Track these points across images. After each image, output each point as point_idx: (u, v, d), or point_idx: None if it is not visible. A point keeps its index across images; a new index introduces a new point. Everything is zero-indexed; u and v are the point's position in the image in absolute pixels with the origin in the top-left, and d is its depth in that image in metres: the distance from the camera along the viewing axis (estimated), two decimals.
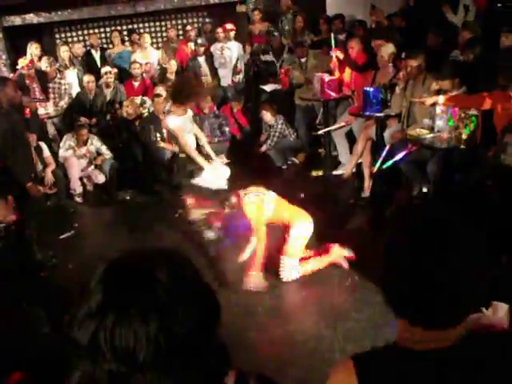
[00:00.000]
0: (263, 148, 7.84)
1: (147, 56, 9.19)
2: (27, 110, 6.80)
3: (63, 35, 10.51)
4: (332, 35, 7.12)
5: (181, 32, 10.06)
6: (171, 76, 8.73)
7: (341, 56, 6.87)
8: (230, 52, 9.05)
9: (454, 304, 1.08)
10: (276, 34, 8.80)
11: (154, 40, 10.53)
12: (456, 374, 1.11)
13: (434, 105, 5.18)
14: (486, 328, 1.58)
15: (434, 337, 1.13)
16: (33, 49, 8.45)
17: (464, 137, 4.93)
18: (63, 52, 8.76)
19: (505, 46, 5.64)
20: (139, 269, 1.02)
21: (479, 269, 1.09)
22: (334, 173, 7.21)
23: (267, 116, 7.74)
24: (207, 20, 9.82)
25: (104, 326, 0.95)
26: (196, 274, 1.08)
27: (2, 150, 4.95)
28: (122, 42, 9.65)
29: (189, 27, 9.52)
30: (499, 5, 6.40)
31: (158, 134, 7.49)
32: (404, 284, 1.11)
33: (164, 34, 10.26)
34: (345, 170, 6.93)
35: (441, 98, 5.05)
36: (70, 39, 10.41)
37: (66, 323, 1.01)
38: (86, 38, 10.21)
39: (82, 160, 7.30)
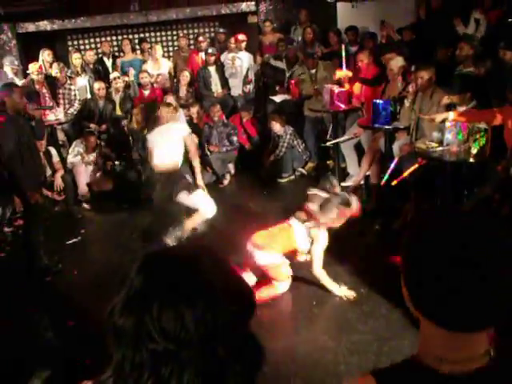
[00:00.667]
0: (271, 158, 7.85)
1: (158, 67, 9.24)
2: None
3: (76, 42, 10.61)
4: (343, 47, 7.13)
5: (192, 41, 10.10)
6: (184, 87, 8.77)
7: (349, 74, 6.88)
8: (241, 62, 9.07)
9: (482, 306, 1.04)
10: (295, 43, 8.83)
11: (165, 49, 10.60)
12: None
13: (444, 121, 5.16)
14: None
15: (459, 346, 1.09)
16: (45, 55, 8.55)
17: (473, 151, 4.91)
18: (75, 59, 8.83)
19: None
20: (181, 257, 1.09)
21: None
22: (342, 184, 7.17)
23: (276, 127, 7.76)
24: (221, 30, 9.84)
25: (149, 310, 0.99)
26: (233, 271, 1.13)
27: (8, 155, 4.98)
28: (133, 50, 9.70)
29: (201, 38, 9.56)
30: (510, 20, 6.39)
31: None
32: (439, 286, 1.05)
33: (175, 44, 10.30)
34: (353, 181, 6.91)
35: (451, 115, 5.03)
36: (82, 46, 10.50)
37: (107, 313, 1.06)
38: (98, 45, 10.29)
39: (90, 166, 7.33)
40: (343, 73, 6.91)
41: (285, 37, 9.27)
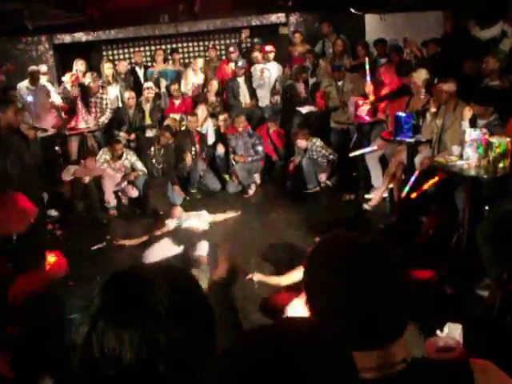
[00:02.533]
0: (290, 167, 7.89)
1: (197, 78, 9.49)
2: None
3: (110, 53, 10.90)
4: (367, 60, 7.14)
5: (222, 52, 10.26)
6: (212, 96, 8.91)
7: (370, 89, 6.90)
8: (269, 73, 9.15)
9: (378, 322, 1.11)
10: (309, 72, 8.91)
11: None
12: None
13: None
14: (443, 350, 1.60)
15: (374, 358, 1.13)
16: (78, 65, 8.84)
17: (500, 165, 4.84)
18: (107, 69, 9.09)
19: None
20: (139, 278, 1.07)
21: (399, 291, 1.14)
22: (366, 196, 7.17)
23: (302, 143, 7.82)
24: (255, 40, 9.96)
25: (96, 329, 1.00)
26: (196, 292, 1.11)
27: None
28: (165, 60, 9.89)
29: (231, 48, 9.70)
30: None
31: (193, 148, 7.73)
32: (333, 311, 1.13)
33: (206, 54, 10.47)
34: (376, 194, 6.89)
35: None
36: (116, 56, 10.79)
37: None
38: (132, 55, 10.53)
39: (116, 174, 7.50)
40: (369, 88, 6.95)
41: (311, 50, 9.34)
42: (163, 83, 9.24)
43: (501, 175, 4.88)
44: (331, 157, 7.86)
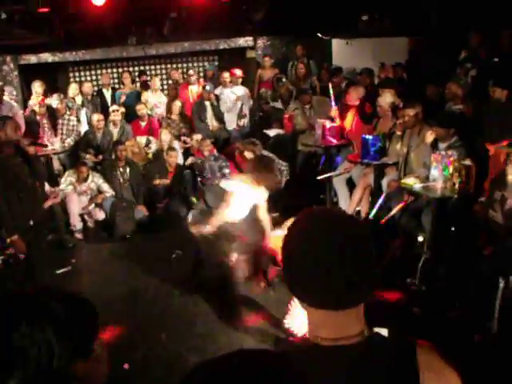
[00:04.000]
0: None
1: (157, 97, 9.41)
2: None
3: (77, 74, 10.81)
4: (330, 85, 7.28)
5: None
6: (175, 117, 8.90)
7: (335, 113, 7.01)
8: (236, 97, 9.21)
9: (346, 285, 1.21)
10: (284, 80, 8.96)
11: (165, 82, 10.79)
12: (354, 369, 1.22)
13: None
14: None
15: (332, 325, 1.24)
16: (36, 87, 8.67)
17: (457, 186, 4.95)
18: (74, 90, 8.98)
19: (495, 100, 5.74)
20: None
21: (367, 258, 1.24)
22: None
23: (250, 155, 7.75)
24: (207, 67, 10.06)
25: None
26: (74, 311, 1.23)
27: None
28: (132, 82, 9.87)
29: (191, 71, 9.74)
30: (496, 59, 6.52)
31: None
32: (303, 271, 1.24)
33: (167, 76, 10.50)
34: None
35: None
36: (83, 78, 10.71)
37: None
38: (99, 77, 10.46)
39: (82, 197, 7.38)
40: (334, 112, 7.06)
41: (280, 73, 9.42)
42: (123, 98, 9.26)
43: (464, 196, 5.00)
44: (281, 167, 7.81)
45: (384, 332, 1.57)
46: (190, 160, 8.32)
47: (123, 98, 9.30)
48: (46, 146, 7.91)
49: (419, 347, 1.25)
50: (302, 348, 1.31)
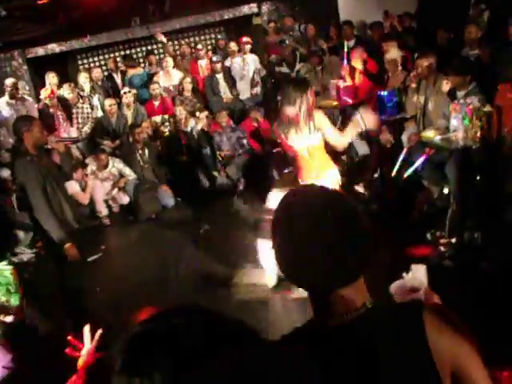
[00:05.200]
0: None
1: (170, 79, 9.29)
2: (55, 153, 5.81)
3: (86, 61, 10.78)
4: (345, 42, 7.13)
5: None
6: (188, 93, 8.84)
7: (359, 66, 6.87)
8: (248, 65, 9.10)
9: (333, 266, 1.20)
10: (287, 42, 8.80)
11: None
12: (352, 346, 1.22)
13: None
14: (410, 292, 1.78)
15: (331, 303, 1.24)
16: (50, 78, 8.68)
17: (479, 135, 4.83)
18: (83, 78, 8.96)
19: None
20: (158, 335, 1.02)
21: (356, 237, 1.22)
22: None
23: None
24: (219, 36, 9.92)
25: None
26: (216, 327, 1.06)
27: (34, 204, 4.31)
28: (139, 64, 9.81)
29: (199, 46, 9.63)
30: None
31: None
32: (290, 256, 1.24)
33: (178, 53, 10.40)
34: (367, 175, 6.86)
35: None
36: (92, 64, 10.67)
37: None
38: (108, 61, 10.42)
39: (105, 183, 7.44)
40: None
41: (286, 36, 9.26)
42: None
43: (487, 144, 4.89)
44: None
45: (422, 270, 1.59)
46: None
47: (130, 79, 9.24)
48: (76, 138, 7.98)
49: (426, 311, 1.22)
50: (307, 328, 1.30)
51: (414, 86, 5.80)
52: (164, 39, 9.69)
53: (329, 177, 4.26)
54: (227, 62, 9.21)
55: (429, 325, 1.19)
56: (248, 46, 9.14)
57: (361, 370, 1.20)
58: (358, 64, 6.95)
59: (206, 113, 8.45)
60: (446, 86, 5.20)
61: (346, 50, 6.97)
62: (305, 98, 4.12)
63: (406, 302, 1.31)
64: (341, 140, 4.26)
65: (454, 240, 4.99)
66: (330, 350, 1.23)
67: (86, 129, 8.47)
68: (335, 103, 7.07)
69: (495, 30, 6.19)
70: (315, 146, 4.20)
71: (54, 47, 9.96)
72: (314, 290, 1.27)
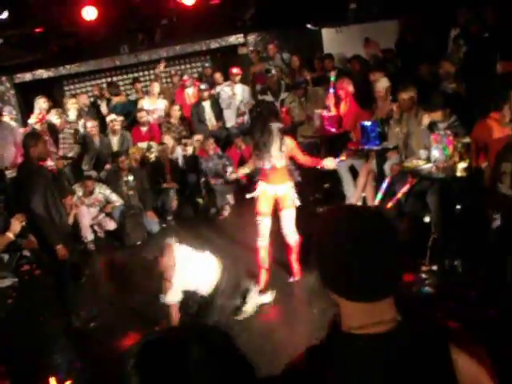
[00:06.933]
0: None
1: (155, 103, 9.43)
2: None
3: (72, 87, 10.87)
4: (332, 73, 7.30)
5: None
6: (175, 121, 8.96)
7: (332, 102, 7.05)
8: (236, 95, 9.26)
9: (379, 277, 1.28)
10: (273, 71, 8.98)
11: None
12: (380, 358, 1.28)
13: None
14: None
15: (366, 314, 1.30)
16: (40, 103, 8.68)
17: (461, 166, 5.00)
18: (71, 105, 9.01)
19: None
20: (173, 348, 1.06)
21: (391, 255, 1.30)
22: None
23: None
24: (206, 64, 10.12)
25: None
26: (233, 350, 1.12)
27: (36, 208, 4.86)
28: (124, 91, 9.95)
29: (185, 77, 9.79)
30: (486, 35, 6.55)
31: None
32: (336, 265, 1.31)
33: (168, 80, 10.54)
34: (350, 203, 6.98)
35: None
36: (78, 90, 10.76)
37: None
38: (94, 88, 10.51)
39: (91, 208, 7.47)
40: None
41: (270, 65, 9.47)
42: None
43: (467, 174, 5.06)
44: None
45: None
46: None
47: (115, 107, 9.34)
48: (72, 158, 8.17)
49: (451, 330, 1.31)
50: (337, 339, 1.36)
51: (396, 117, 5.99)
52: (162, 69, 9.88)
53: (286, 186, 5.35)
54: (215, 90, 9.36)
55: (455, 353, 1.27)
56: (238, 77, 9.30)
57: None
58: (348, 88, 7.08)
59: (199, 136, 8.56)
60: (426, 119, 5.39)
61: (332, 79, 7.14)
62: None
63: (432, 323, 1.35)
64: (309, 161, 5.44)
65: (434, 267, 5.12)
66: (357, 360, 1.29)
67: (72, 154, 8.50)
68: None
69: (472, 64, 6.41)
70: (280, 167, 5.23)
71: (42, 72, 10.07)
72: (361, 297, 1.31)
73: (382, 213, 1.43)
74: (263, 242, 5.43)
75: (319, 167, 5.47)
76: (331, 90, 7.20)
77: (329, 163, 5.36)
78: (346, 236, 1.30)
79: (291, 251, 5.51)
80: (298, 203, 5.43)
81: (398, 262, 1.32)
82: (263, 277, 5.46)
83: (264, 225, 5.39)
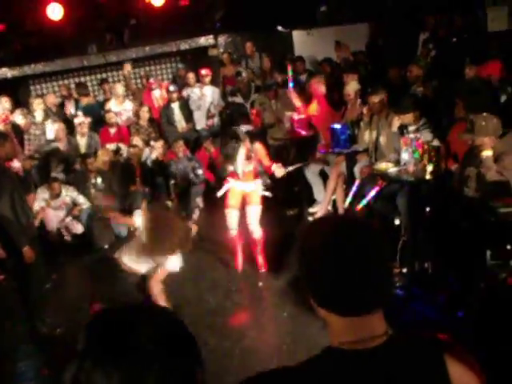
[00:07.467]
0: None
1: (121, 104, 9.27)
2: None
3: (38, 87, 10.64)
4: (289, 68, 7.32)
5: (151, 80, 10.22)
6: (144, 123, 8.84)
7: (297, 103, 7.07)
8: (205, 96, 9.19)
9: (370, 290, 1.24)
10: (244, 74, 8.96)
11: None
12: (376, 373, 1.25)
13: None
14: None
15: (355, 329, 1.27)
16: (3, 103, 8.47)
17: (429, 169, 5.03)
18: (37, 105, 8.81)
19: (469, 78, 5.86)
20: (121, 321, 1.09)
21: (380, 265, 1.26)
22: (310, 210, 7.25)
23: None
24: (179, 66, 10.01)
25: (83, 369, 1.02)
26: (180, 328, 1.13)
27: (2, 209, 4.71)
28: (92, 92, 9.77)
29: (151, 80, 9.69)
30: (454, 39, 6.65)
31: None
32: (324, 278, 1.27)
33: (138, 81, 10.40)
34: (320, 207, 6.97)
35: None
36: (45, 90, 10.52)
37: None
38: (62, 88, 10.31)
39: (58, 211, 7.30)
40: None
41: (241, 68, 9.44)
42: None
43: (436, 177, 5.10)
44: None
45: None
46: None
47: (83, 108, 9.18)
48: (38, 159, 7.95)
49: (447, 349, 1.29)
50: (327, 355, 1.31)
51: (366, 119, 6.01)
52: (130, 70, 9.72)
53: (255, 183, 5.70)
54: (185, 92, 9.27)
55: (450, 363, 1.27)
56: (207, 78, 9.24)
57: None
58: (320, 89, 7.08)
59: (161, 142, 8.45)
60: (396, 122, 5.42)
61: (290, 74, 7.14)
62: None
63: (426, 336, 1.33)
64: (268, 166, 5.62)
65: (405, 270, 5.14)
66: (350, 375, 1.26)
67: (38, 155, 8.31)
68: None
69: (439, 67, 6.50)
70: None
71: (6, 71, 9.81)
72: (350, 311, 1.27)
73: (370, 224, 1.36)
74: (233, 232, 5.83)
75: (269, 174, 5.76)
76: (290, 85, 7.19)
77: (277, 171, 5.56)
78: (332, 249, 1.27)
79: (256, 245, 5.79)
80: (269, 194, 5.82)
81: (387, 275, 1.30)
82: (240, 259, 5.89)
83: (232, 216, 5.76)
